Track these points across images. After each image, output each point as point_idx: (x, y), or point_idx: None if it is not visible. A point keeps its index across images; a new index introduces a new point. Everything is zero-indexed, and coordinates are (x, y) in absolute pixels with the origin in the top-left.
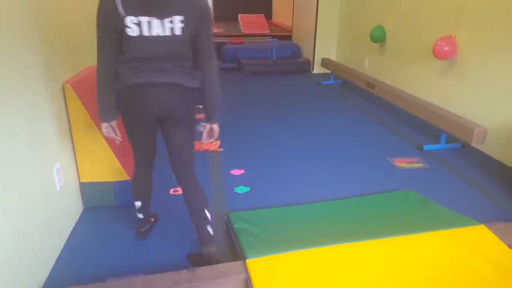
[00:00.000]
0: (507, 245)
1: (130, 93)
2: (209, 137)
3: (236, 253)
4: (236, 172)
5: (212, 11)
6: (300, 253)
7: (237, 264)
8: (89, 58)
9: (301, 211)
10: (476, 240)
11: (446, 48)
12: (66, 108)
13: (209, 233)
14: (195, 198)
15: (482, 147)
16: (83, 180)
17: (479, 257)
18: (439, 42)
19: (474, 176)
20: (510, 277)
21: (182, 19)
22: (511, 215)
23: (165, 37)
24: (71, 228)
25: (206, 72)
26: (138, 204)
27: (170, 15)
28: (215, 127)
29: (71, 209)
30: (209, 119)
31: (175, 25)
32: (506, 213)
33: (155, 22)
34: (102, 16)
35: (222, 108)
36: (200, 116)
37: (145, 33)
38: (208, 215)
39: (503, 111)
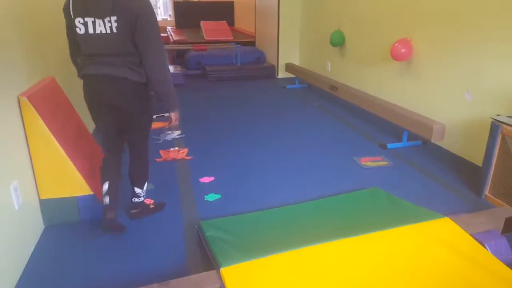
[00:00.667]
0: (470, 235)
1: (84, 82)
2: (169, 125)
3: (210, 263)
4: (206, 179)
5: (151, 11)
6: (273, 258)
7: (211, 273)
8: (45, 69)
9: (272, 215)
10: (441, 232)
11: (403, 50)
12: (23, 122)
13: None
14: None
15: (441, 143)
16: (43, 196)
17: (445, 248)
18: (396, 44)
19: (436, 171)
20: (474, 265)
21: (116, 19)
22: (473, 206)
23: (106, 34)
24: (32, 248)
25: (144, 65)
26: (105, 187)
27: (107, 16)
28: (172, 115)
29: (31, 228)
30: (166, 108)
31: (112, 24)
32: (467, 204)
33: (98, 21)
34: (64, 17)
35: (174, 97)
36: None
37: (91, 31)
38: (137, 190)
39: (458, 107)
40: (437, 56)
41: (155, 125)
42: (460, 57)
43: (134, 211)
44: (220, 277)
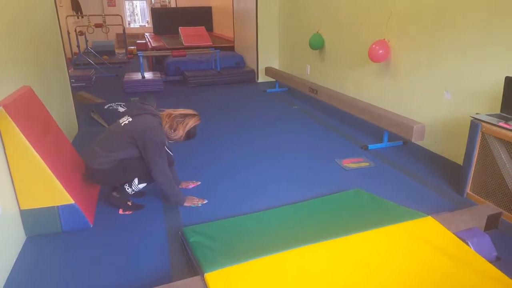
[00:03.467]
0: (453, 233)
1: None
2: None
3: (194, 268)
4: (191, 185)
5: (153, 137)
6: (258, 261)
7: (195, 279)
8: (21, 78)
9: (255, 220)
10: (424, 231)
11: (381, 51)
12: None
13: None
14: None
15: (422, 143)
16: (23, 207)
17: (429, 247)
18: (374, 46)
19: (417, 170)
20: (457, 263)
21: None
22: (455, 205)
23: None
24: (14, 260)
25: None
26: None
27: None
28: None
29: (12, 239)
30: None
31: None
32: (450, 203)
33: None
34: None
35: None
36: None
37: None
38: (135, 180)
39: (438, 107)
40: (415, 56)
41: None
42: (439, 57)
43: (115, 194)
44: (204, 283)
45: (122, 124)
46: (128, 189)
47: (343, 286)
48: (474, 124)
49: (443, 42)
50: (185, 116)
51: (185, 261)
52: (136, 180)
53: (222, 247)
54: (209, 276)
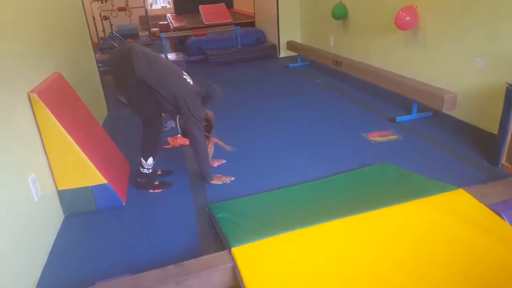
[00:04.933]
0: (486, 206)
1: None
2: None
3: (221, 243)
4: (216, 163)
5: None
6: (284, 236)
7: (223, 254)
8: (52, 65)
9: (282, 195)
10: (455, 204)
11: (408, 18)
12: (35, 117)
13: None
14: None
15: (453, 113)
16: (61, 187)
17: (460, 220)
18: (401, 12)
19: (448, 142)
20: (490, 235)
21: None
22: (489, 176)
23: None
24: (54, 238)
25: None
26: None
27: None
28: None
29: (52, 218)
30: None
31: None
32: (482, 174)
33: None
34: None
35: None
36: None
37: None
38: (142, 160)
39: (469, 75)
40: (445, 21)
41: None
42: (470, 20)
43: (139, 179)
44: (232, 257)
45: (186, 79)
46: (143, 170)
47: (370, 260)
48: (510, 91)
49: (474, 4)
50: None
51: (212, 236)
52: (142, 160)
53: (248, 222)
54: (236, 251)
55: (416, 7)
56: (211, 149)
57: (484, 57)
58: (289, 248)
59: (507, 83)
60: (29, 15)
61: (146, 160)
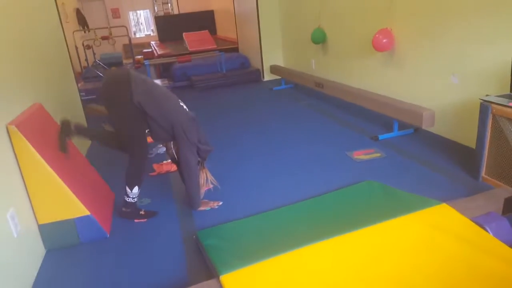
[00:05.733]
0: (470, 219)
1: None
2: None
3: (209, 271)
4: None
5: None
6: (273, 261)
7: (211, 282)
8: (32, 96)
9: (268, 218)
10: (440, 218)
11: (384, 40)
12: (13, 150)
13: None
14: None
15: (433, 129)
16: (41, 221)
17: (445, 234)
18: (377, 35)
19: (429, 158)
20: (476, 249)
21: None
22: (471, 190)
23: None
24: (36, 274)
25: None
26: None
27: None
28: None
29: (32, 254)
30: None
31: None
32: (463, 188)
33: None
34: None
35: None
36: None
37: None
38: (128, 190)
39: (445, 92)
40: (419, 42)
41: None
42: (443, 41)
43: (124, 209)
44: (220, 285)
45: (183, 106)
46: (128, 199)
47: (361, 278)
48: (484, 106)
49: (446, 25)
50: None
51: (201, 264)
52: (128, 189)
53: (236, 248)
54: (225, 278)
55: (391, 30)
56: (203, 177)
57: (457, 74)
58: (277, 273)
59: (480, 99)
60: (8, 47)
61: (131, 189)
